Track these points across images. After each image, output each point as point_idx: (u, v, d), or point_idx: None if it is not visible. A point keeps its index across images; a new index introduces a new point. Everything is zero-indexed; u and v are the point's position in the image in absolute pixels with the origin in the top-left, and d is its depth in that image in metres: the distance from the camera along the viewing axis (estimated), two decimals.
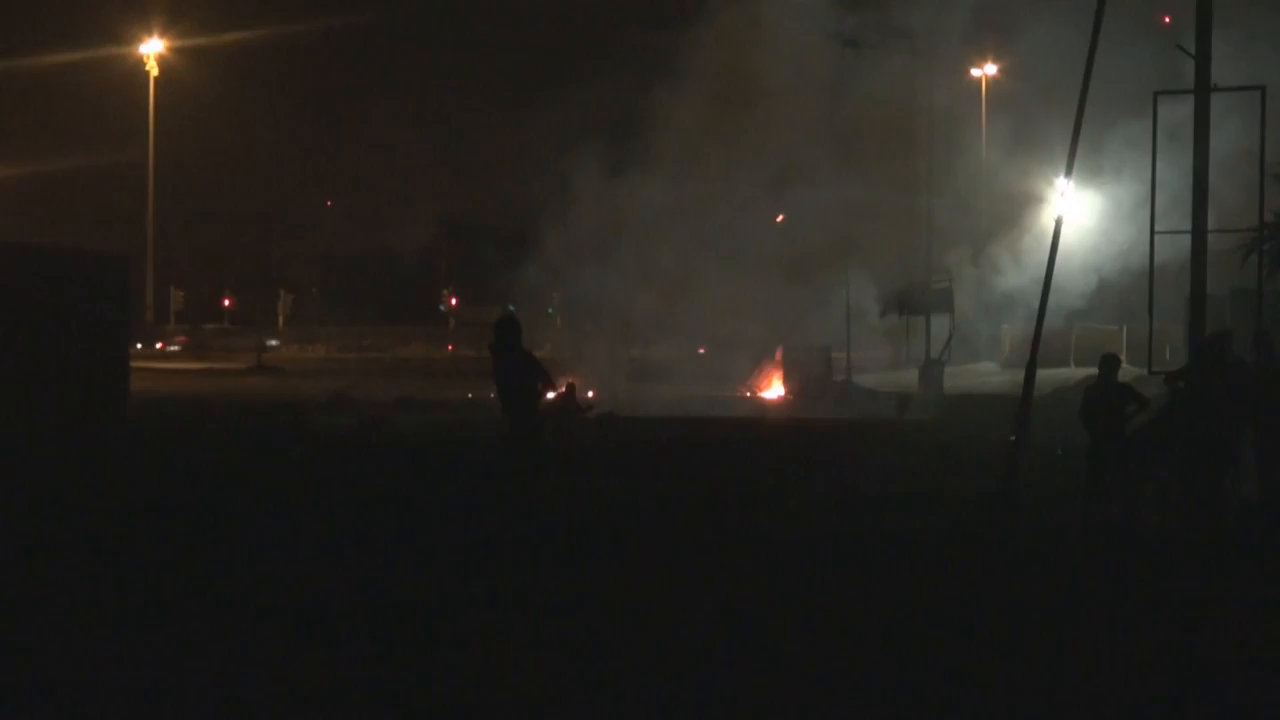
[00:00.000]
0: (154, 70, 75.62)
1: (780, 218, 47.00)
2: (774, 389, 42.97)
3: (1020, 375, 20.32)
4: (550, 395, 17.82)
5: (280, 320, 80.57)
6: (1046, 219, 40.38)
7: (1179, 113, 19.55)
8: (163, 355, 69.73)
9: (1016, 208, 45.94)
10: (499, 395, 15.58)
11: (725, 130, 45.16)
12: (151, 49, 76.08)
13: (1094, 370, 17.12)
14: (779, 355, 43.15)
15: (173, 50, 77.21)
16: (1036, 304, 20.18)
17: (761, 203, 45.89)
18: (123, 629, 11.76)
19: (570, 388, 32.26)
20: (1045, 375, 24.98)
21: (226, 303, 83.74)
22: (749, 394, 43.03)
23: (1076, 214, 38.86)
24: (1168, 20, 34.20)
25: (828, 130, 44.70)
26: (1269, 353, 16.55)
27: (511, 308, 44.74)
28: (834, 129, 45.07)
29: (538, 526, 15.19)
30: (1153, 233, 19.28)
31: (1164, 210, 19.36)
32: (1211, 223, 18.57)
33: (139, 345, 66.02)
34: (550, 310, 67.43)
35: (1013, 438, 18.87)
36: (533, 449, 15.23)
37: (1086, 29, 19.37)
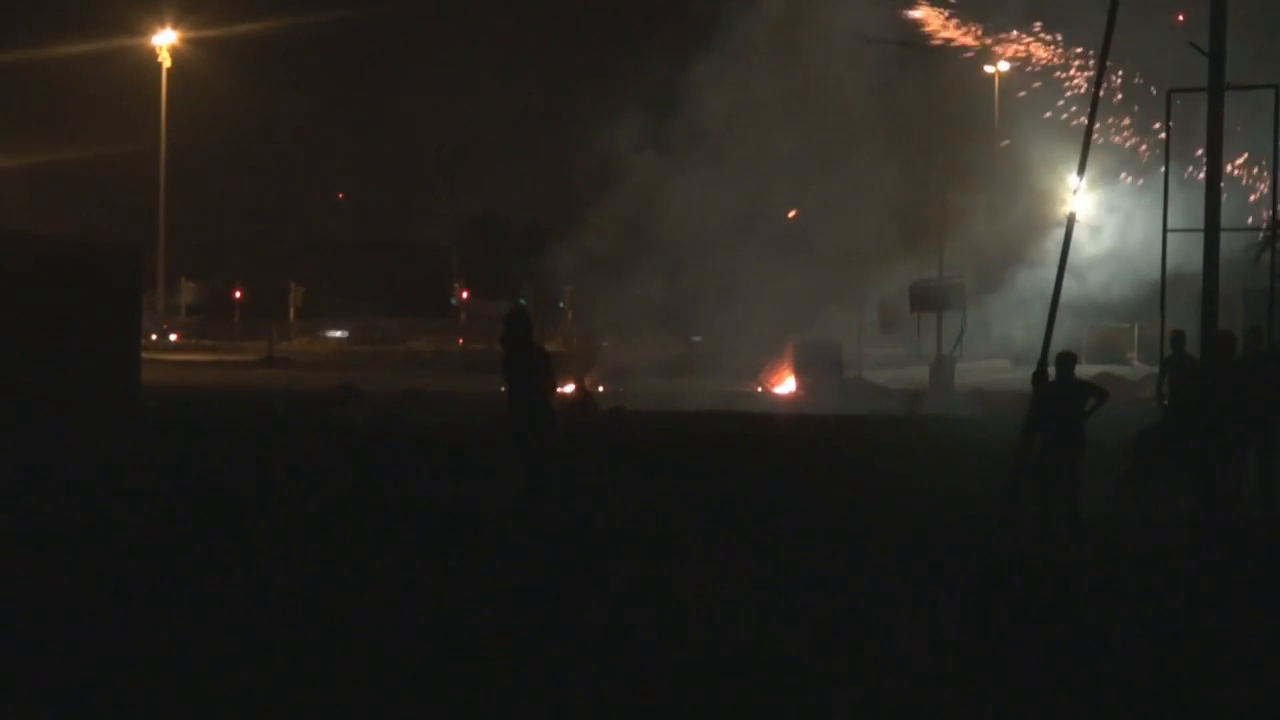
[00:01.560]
0: (166, 61, 75.61)
1: (793, 213, 46.94)
2: (785, 385, 42.96)
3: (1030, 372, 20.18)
4: (564, 390, 17.74)
5: (291, 313, 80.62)
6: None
7: None
8: (175, 347, 69.87)
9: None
10: (507, 390, 15.53)
11: (745, 125, 45.09)
12: (164, 40, 76.06)
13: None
14: (789, 351, 43.11)
15: (186, 41, 77.19)
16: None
17: (779, 197, 45.80)
18: (126, 626, 11.77)
19: (582, 386, 32.29)
20: None
21: (238, 294, 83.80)
22: (760, 389, 42.99)
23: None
24: (1181, 18, 34.10)
25: (875, 125, 44.56)
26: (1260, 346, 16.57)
27: (523, 301, 44.84)
28: (884, 123, 44.94)
29: (541, 522, 15.16)
30: (1165, 231, 19.18)
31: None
32: None
33: (154, 336, 66.13)
34: (560, 304, 67.53)
35: (1020, 435, 18.76)
36: (538, 444, 15.15)
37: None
